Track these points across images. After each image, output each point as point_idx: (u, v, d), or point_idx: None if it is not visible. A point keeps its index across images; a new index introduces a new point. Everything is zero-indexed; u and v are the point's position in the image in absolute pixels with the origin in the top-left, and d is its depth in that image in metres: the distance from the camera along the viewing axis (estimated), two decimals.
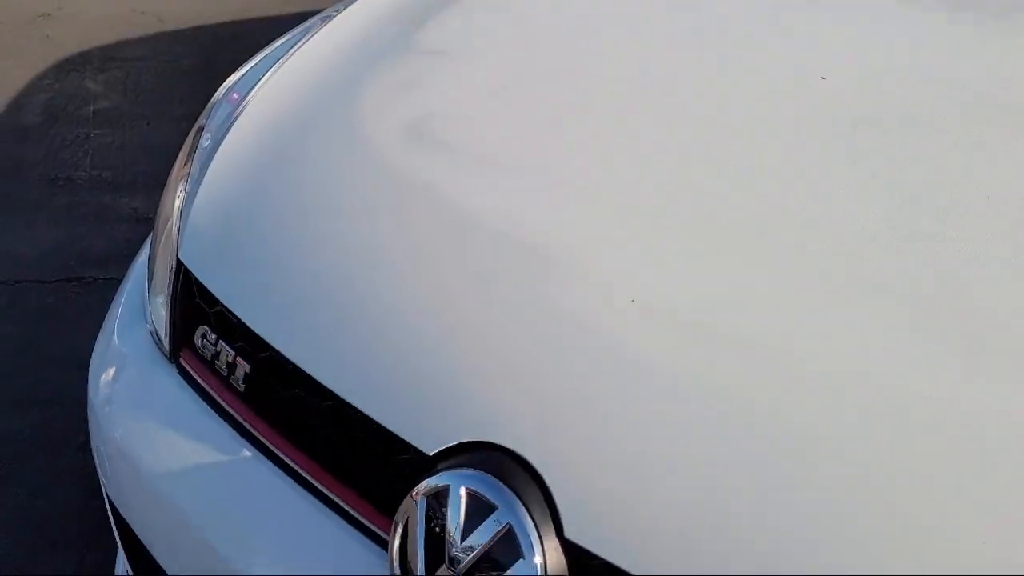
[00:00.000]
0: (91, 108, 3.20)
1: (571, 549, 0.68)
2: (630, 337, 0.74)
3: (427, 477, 0.72)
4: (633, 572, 0.66)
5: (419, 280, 0.84)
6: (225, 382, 0.92)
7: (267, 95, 1.11)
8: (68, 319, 2.08)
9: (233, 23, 3.77)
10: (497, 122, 0.98)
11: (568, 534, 0.68)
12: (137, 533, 0.97)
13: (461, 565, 0.69)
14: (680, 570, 0.64)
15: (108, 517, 1.11)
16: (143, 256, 1.18)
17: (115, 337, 1.08)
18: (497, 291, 0.80)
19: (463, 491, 0.71)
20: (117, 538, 1.09)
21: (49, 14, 4.15)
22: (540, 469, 0.70)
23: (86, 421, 1.32)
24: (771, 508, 0.65)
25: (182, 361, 0.97)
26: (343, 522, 0.80)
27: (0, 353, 1.99)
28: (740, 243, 0.79)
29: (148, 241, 1.16)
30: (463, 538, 0.70)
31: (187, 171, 1.09)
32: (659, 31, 1.09)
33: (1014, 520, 0.61)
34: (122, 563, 1.21)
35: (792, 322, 0.73)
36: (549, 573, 0.68)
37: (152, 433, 0.95)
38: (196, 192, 1.03)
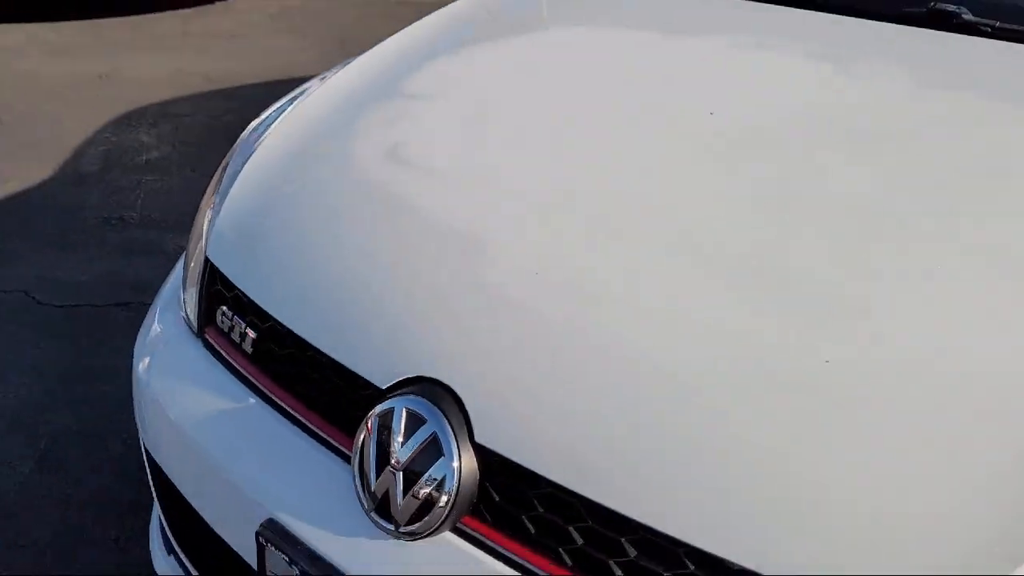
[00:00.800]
0: (143, 158, 3.56)
1: (480, 450, 0.92)
2: (533, 298, 0.99)
3: (378, 404, 0.97)
4: (524, 464, 0.89)
5: (376, 261, 1.10)
6: (238, 348, 1.18)
7: (276, 135, 1.40)
8: (115, 337, 2.36)
9: (272, 83, 4.13)
10: (449, 147, 1.26)
11: (478, 439, 0.92)
12: (166, 471, 1.23)
13: (401, 464, 0.93)
14: (558, 461, 0.88)
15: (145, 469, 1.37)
16: (176, 272, 1.46)
17: (155, 322, 1.36)
18: (438, 267, 1.06)
19: (404, 411, 0.95)
20: (151, 482, 1.34)
21: (107, 75, 4.58)
22: (460, 393, 0.94)
23: (126, 419, 1.57)
24: (639, 415, 0.88)
25: (206, 336, 1.24)
26: (322, 447, 1.05)
27: (57, 363, 2.28)
28: (627, 229, 1.04)
29: (180, 262, 1.44)
30: (402, 445, 0.94)
31: (214, 199, 1.37)
32: (595, 80, 1.36)
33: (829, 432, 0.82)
34: (155, 517, 1.47)
35: (660, 285, 0.97)
36: (463, 468, 0.92)
37: (181, 390, 1.22)
38: (220, 208, 1.31)
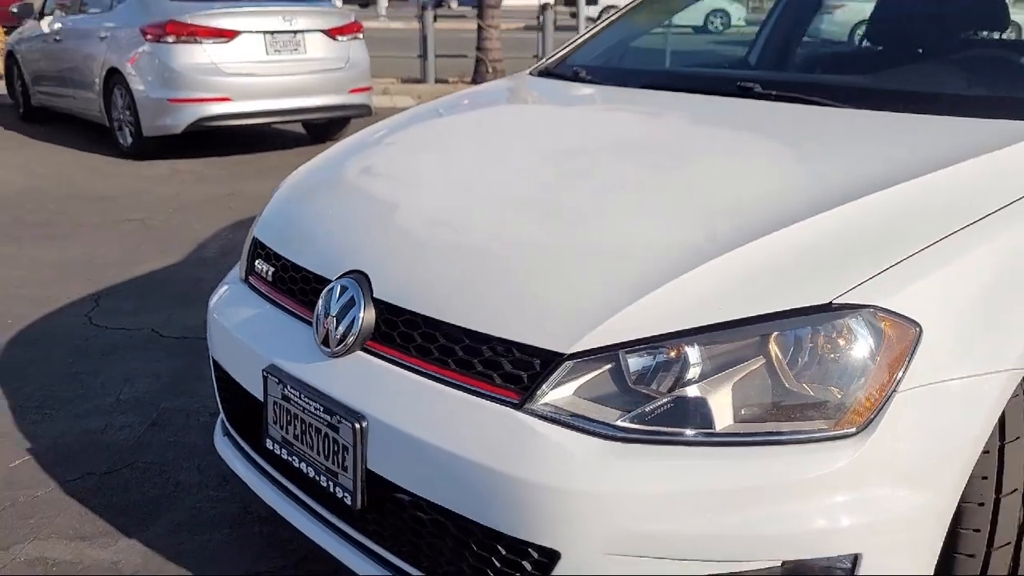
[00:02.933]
0: None
1: (377, 303, 1.64)
2: (412, 230, 1.75)
3: (327, 286, 1.72)
4: (400, 305, 1.60)
5: (333, 220, 1.91)
6: (263, 279, 1.96)
7: (290, 178, 2.28)
8: None
9: None
10: (386, 174, 2.10)
11: (376, 296, 1.64)
12: (218, 360, 1.99)
13: (333, 315, 1.66)
14: (418, 301, 1.59)
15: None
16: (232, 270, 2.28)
17: (220, 285, 2.16)
18: (366, 220, 1.85)
19: (338, 287, 1.68)
20: (215, 385, 2.10)
21: (233, 194, 5.69)
22: (368, 273, 1.66)
23: (210, 404, 2.35)
24: (463, 274, 1.59)
25: (249, 280, 2.03)
26: (300, 322, 1.79)
27: (171, 371, 3.12)
28: (477, 197, 1.80)
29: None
30: (335, 303, 1.67)
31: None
32: (481, 143, 2.17)
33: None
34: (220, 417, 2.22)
35: (488, 217, 1.71)
36: (366, 314, 1.63)
37: (230, 309, 2.00)
38: (261, 213, 2.14)
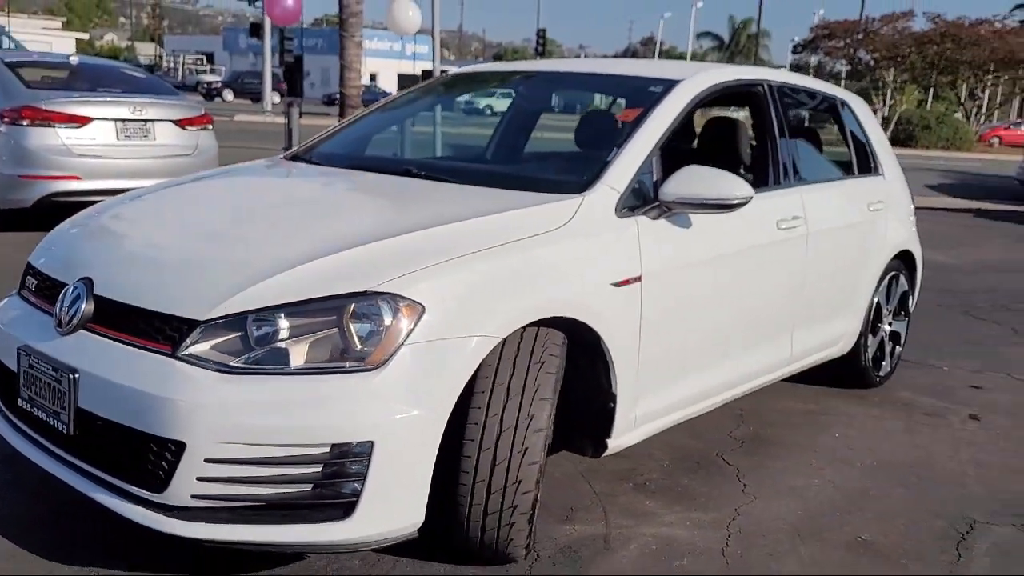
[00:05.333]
0: None
1: (96, 298, 2.41)
2: (129, 243, 2.55)
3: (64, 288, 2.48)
4: (110, 297, 2.38)
5: (76, 243, 2.69)
6: (28, 289, 2.71)
7: (70, 219, 3.03)
8: None
9: None
10: (131, 219, 2.89)
11: (96, 292, 2.41)
12: None
13: (65, 306, 2.42)
14: (120, 294, 2.37)
15: None
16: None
17: (3, 300, 2.89)
18: (100, 238, 2.62)
19: (71, 287, 2.45)
20: None
21: None
22: (93, 277, 2.44)
23: None
24: (149, 273, 2.39)
25: (21, 292, 2.77)
26: (47, 315, 2.53)
27: None
28: (188, 233, 2.62)
29: None
30: (67, 299, 2.43)
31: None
32: (206, 196, 3.00)
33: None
34: None
35: (201, 227, 2.53)
36: (86, 304, 2.39)
37: (4, 313, 2.73)
38: (39, 246, 2.90)
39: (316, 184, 3.25)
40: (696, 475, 3.30)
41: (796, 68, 62.36)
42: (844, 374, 4.41)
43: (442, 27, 15.10)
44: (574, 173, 2.99)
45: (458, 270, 2.35)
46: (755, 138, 3.83)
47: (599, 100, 4.38)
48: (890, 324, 4.54)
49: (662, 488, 3.17)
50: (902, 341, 4.68)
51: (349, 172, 3.28)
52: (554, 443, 2.85)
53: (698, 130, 4.38)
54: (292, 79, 31.06)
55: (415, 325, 2.24)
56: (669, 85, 3.30)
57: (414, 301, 2.25)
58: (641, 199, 2.91)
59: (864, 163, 4.43)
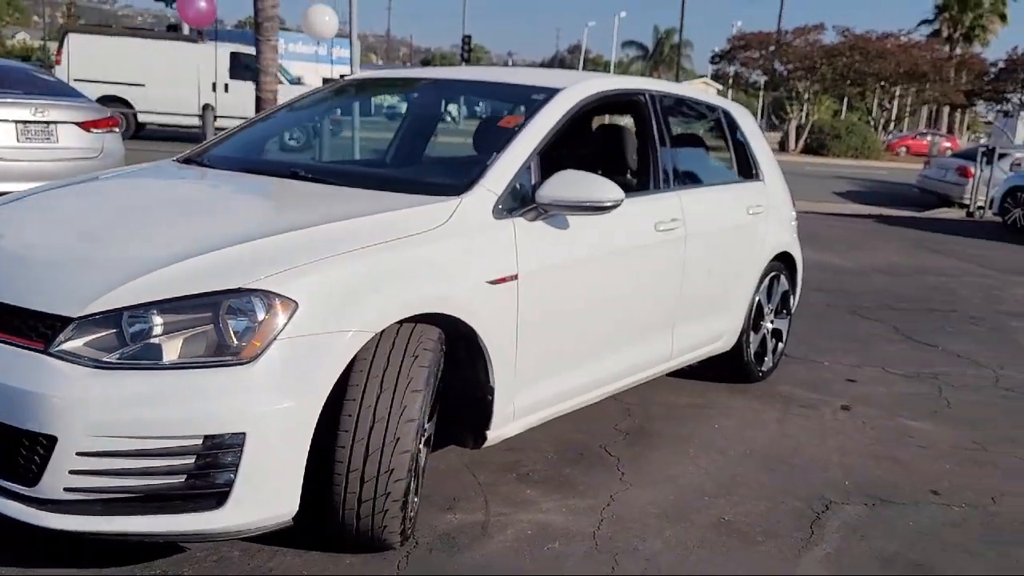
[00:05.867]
0: None
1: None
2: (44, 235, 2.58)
3: None
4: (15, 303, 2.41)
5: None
6: None
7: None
8: None
9: None
10: (13, 220, 2.92)
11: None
12: None
13: None
14: (9, 294, 2.41)
15: None
16: None
17: None
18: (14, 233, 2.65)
19: None
20: None
21: None
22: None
23: None
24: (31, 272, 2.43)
25: None
26: None
27: None
28: (67, 232, 2.66)
29: None
30: None
31: None
32: (91, 198, 3.04)
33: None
34: None
35: (100, 225, 2.56)
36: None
37: None
38: None
39: (203, 186, 3.31)
40: (578, 465, 3.46)
41: (715, 78, 64.03)
42: (728, 370, 4.64)
43: (370, 31, 15.13)
44: (455, 176, 3.11)
45: (332, 268, 2.45)
46: (638, 145, 4.02)
47: (490, 107, 4.53)
48: (772, 322, 4.79)
49: (544, 478, 3.32)
50: (784, 338, 4.94)
51: (238, 175, 3.34)
52: (441, 437, 2.98)
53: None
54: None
55: (288, 321, 2.33)
56: (550, 93, 3.46)
57: (288, 297, 2.34)
58: (519, 201, 3.05)
59: (745, 169, 4.68)
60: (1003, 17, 54.92)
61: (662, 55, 75.88)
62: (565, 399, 3.33)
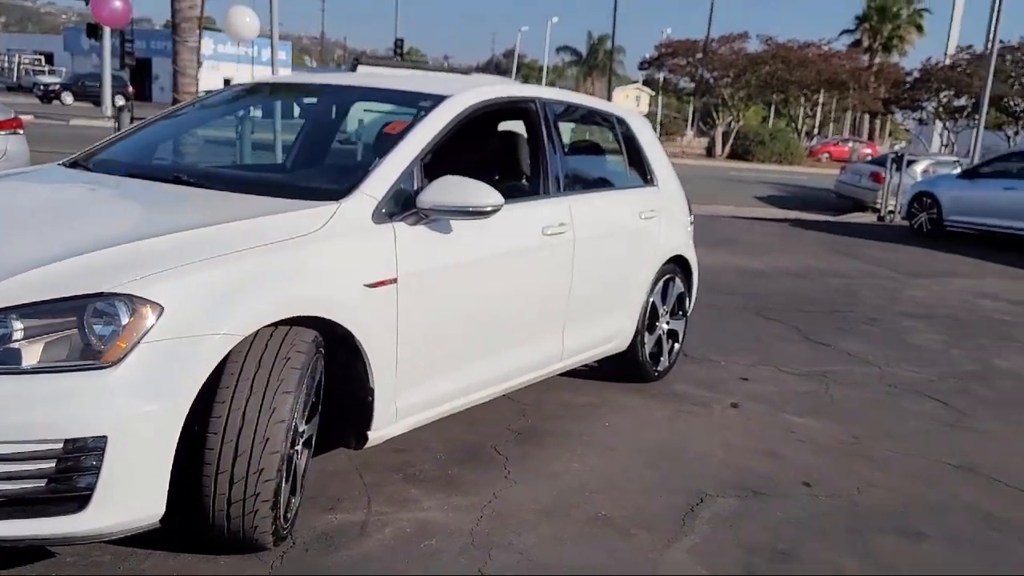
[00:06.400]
0: None
1: None
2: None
3: None
4: None
5: None
6: None
7: None
8: None
9: None
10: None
11: None
12: None
13: None
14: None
15: None
16: None
17: None
18: None
19: None
20: None
21: None
22: None
23: None
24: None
25: None
26: None
27: None
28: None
29: None
30: None
31: None
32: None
33: None
34: None
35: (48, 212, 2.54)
36: None
37: None
38: None
39: (81, 190, 3.29)
40: (465, 465, 3.53)
41: (646, 83, 64.97)
42: (624, 369, 4.77)
43: (304, 33, 15.00)
44: (336, 181, 3.16)
45: (201, 272, 2.48)
46: (528, 151, 4.12)
47: (381, 112, 4.59)
48: (668, 323, 4.94)
49: (431, 478, 3.38)
50: (680, 339, 5.09)
51: (119, 179, 3.33)
52: (327, 438, 3.02)
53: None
54: (138, 82, 29.99)
55: (153, 324, 2.35)
56: (437, 101, 3.53)
57: (152, 301, 2.36)
58: (401, 206, 3.11)
59: (639, 175, 4.82)
60: (920, 28, 57.10)
61: (596, 60, 76.72)
62: (450, 399, 3.40)
